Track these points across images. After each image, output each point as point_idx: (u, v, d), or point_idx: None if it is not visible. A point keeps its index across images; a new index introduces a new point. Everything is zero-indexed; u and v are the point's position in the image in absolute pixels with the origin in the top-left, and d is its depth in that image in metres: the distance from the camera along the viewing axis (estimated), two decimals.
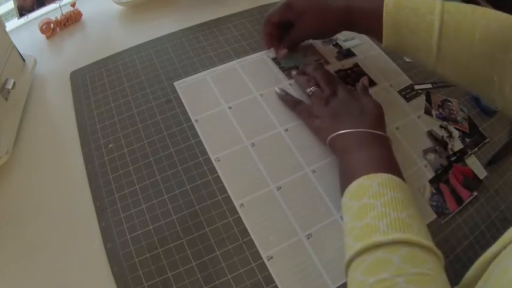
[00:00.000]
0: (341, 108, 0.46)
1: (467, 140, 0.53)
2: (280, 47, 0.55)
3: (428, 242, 0.33)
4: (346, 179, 0.40)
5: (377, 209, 0.34)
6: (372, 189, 0.36)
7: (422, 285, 0.30)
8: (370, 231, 0.33)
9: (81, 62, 0.56)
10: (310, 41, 0.61)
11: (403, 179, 0.39)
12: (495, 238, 0.45)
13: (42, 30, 0.57)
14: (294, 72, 0.54)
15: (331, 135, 0.44)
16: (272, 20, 0.53)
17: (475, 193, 0.48)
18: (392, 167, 0.40)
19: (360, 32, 0.52)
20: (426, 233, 0.35)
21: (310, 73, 0.52)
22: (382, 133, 0.43)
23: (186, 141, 0.47)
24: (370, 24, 0.46)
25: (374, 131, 0.42)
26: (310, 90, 0.49)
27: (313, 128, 0.48)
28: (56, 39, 0.59)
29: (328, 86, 0.49)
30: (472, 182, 0.49)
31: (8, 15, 0.61)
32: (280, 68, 0.56)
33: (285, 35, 0.54)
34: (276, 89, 0.52)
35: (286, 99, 0.51)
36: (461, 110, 0.56)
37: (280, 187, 0.45)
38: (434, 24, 0.41)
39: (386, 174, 0.37)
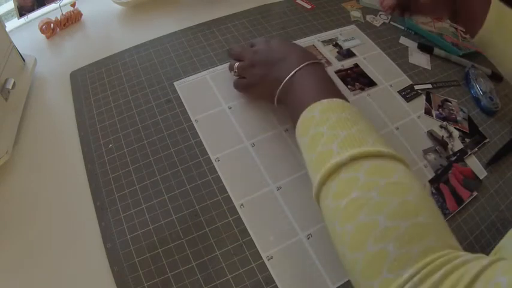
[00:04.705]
0: (266, 59, 0.46)
1: (467, 140, 0.53)
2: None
3: (389, 150, 0.32)
4: (294, 121, 0.39)
5: (325, 134, 0.34)
6: (315, 119, 0.36)
7: (397, 194, 0.29)
8: (325, 157, 0.32)
9: (81, 62, 0.56)
10: (311, 41, 0.61)
11: (346, 100, 0.38)
12: (495, 238, 0.46)
13: (42, 30, 0.57)
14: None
15: (276, 96, 0.44)
16: None
17: (475, 193, 0.48)
18: (330, 91, 0.39)
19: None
20: (384, 142, 0.33)
21: (234, 55, 0.53)
22: (310, 61, 0.42)
23: (186, 141, 0.47)
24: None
25: (305, 64, 0.42)
26: (235, 68, 0.50)
27: (258, 96, 0.50)
28: (56, 39, 0.59)
29: (245, 54, 0.50)
30: (472, 182, 0.49)
31: (8, 15, 0.60)
32: None
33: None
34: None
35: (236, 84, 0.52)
36: (461, 110, 0.56)
37: (280, 187, 0.45)
38: None
39: (325, 100, 0.36)
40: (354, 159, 0.31)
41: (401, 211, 0.28)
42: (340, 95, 0.39)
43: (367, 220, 0.28)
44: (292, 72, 0.42)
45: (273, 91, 0.44)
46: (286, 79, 0.42)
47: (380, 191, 0.29)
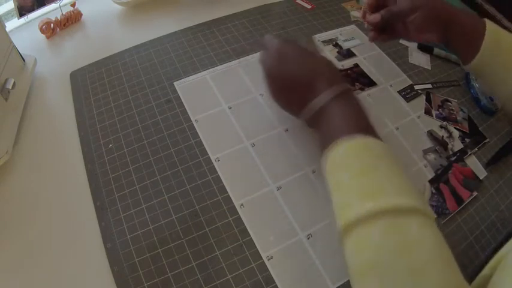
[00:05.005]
0: (282, 78, 0.43)
1: (467, 140, 0.53)
2: (377, 13, 0.49)
3: (408, 200, 0.31)
4: (321, 149, 0.38)
5: (347, 180, 0.34)
6: (338, 160, 0.35)
7: (408, 254, 0.29)
8: (345, 206, 0.33)
9: (81, 62, 0.56)
10: (312, 38, 0.61)
11: (373, 131, 0.37)
12: (495, 238, 0.46)
13: (42, 30, 0.57)
14: None
15: (304, 113, 0.41)
16: None
17: (475, 193, 0.48)
18: (356, 124, 0.38)
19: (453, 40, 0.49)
20: (407, 187, 0.33)
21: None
22: (342, 88, 0.39)
23: (186, 141, 0.47)
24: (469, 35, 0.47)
25: (336, 94, 0.39)
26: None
27: (283, 106, 0.46)
28: (56, 39, 0.59)
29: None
30: (472, 182, 0.49)
31: (8, 15, 0.60)
32: None
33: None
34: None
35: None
36: (461, 110, 0.56)
37: (280, 187, 0.45)
38: None
39: (349, 140, 0.35)
40: (371, 215, 0.31)
41: (409, 272, 0.29)
42: (367, 127, 0.37)
43: (378, 281, 0.29)
44: (323, 104, 0.39)
45: (297, 110, 0.42)
46: (317, 109, 0.40)
47: (391, 252, 0.29)
